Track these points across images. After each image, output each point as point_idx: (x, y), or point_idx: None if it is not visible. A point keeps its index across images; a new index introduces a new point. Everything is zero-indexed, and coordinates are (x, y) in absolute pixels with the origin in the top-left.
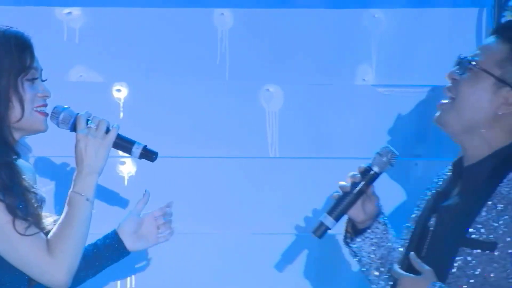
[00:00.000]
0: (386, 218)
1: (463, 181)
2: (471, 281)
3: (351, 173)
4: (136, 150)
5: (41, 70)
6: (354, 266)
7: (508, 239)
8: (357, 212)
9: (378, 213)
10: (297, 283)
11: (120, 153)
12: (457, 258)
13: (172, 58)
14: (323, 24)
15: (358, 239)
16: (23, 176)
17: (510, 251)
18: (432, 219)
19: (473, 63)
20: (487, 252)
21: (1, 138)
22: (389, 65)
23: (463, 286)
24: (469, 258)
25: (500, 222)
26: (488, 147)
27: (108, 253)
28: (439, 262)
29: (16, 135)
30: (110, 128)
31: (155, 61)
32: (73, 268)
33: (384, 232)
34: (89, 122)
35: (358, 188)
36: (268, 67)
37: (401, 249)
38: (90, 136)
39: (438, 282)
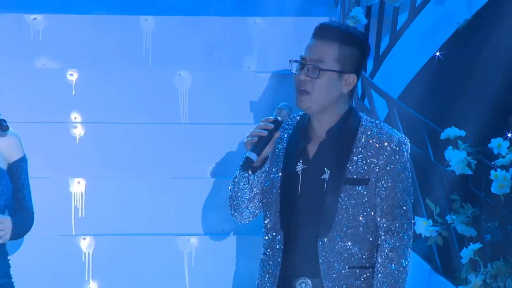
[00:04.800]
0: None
1: (326, 139)
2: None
3: (265, 122)
4: None
5: None
6: None
7: (374, 175)
8: (266, 151)
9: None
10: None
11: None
12: (342, 195)
13: (111, 52)
14: (220, 29)
15: (257, 175)
16: None
17: (374, 180)
18: (300, 166)
19: (318, 68)
20: (363, 186)
21: None
22: (267, 57)
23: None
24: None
25: (367, 161)
26: (337, 116)
27: None
28: (315, 199)
29: None
30: None
31: (98, 55)
32: None
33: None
34: None
35: (270, 133)
36: (183, 57)
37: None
38: None
39: None
